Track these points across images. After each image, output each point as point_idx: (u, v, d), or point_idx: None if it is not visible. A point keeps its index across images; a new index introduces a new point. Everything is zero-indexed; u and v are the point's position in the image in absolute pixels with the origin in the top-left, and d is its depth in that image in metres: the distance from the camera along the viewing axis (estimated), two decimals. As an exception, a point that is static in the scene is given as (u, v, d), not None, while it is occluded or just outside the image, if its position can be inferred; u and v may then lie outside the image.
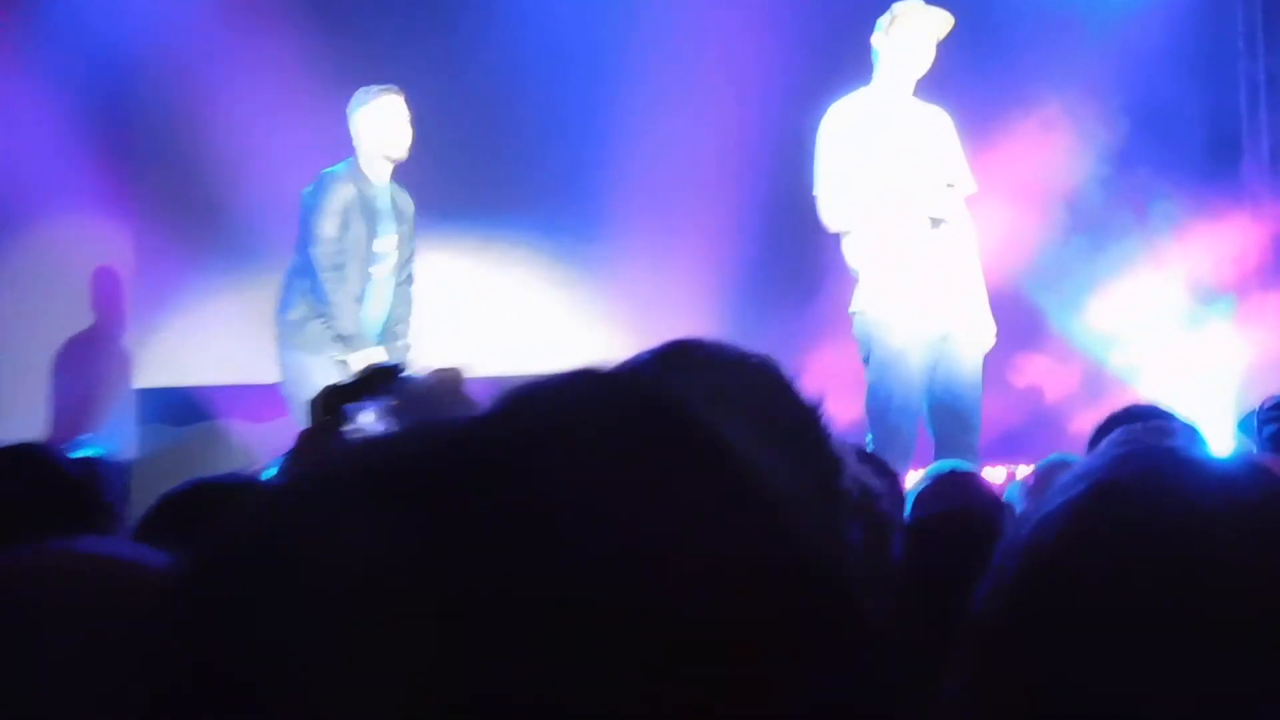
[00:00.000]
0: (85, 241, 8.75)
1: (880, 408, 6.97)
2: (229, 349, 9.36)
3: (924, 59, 7.28)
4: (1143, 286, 8.81)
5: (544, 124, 9.69)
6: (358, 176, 7.48)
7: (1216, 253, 8.81)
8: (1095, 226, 8.85)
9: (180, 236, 9.33)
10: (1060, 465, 4.46)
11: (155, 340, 9.59)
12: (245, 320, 9.17)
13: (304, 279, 7.38)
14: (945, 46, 7.33)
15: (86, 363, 8.74)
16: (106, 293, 9.13)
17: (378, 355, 7.19)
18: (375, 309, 7.53)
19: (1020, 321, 8.46)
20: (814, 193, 7.30)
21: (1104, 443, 4.32)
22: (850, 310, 7.28)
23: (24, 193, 7.85)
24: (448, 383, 4.84)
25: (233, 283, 9.32)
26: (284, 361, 7.35)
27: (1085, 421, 7.63)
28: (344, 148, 7.64)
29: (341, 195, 7.38)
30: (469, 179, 9.63)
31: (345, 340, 7.30)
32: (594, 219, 9.54)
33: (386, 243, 7.56)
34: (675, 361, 1.84)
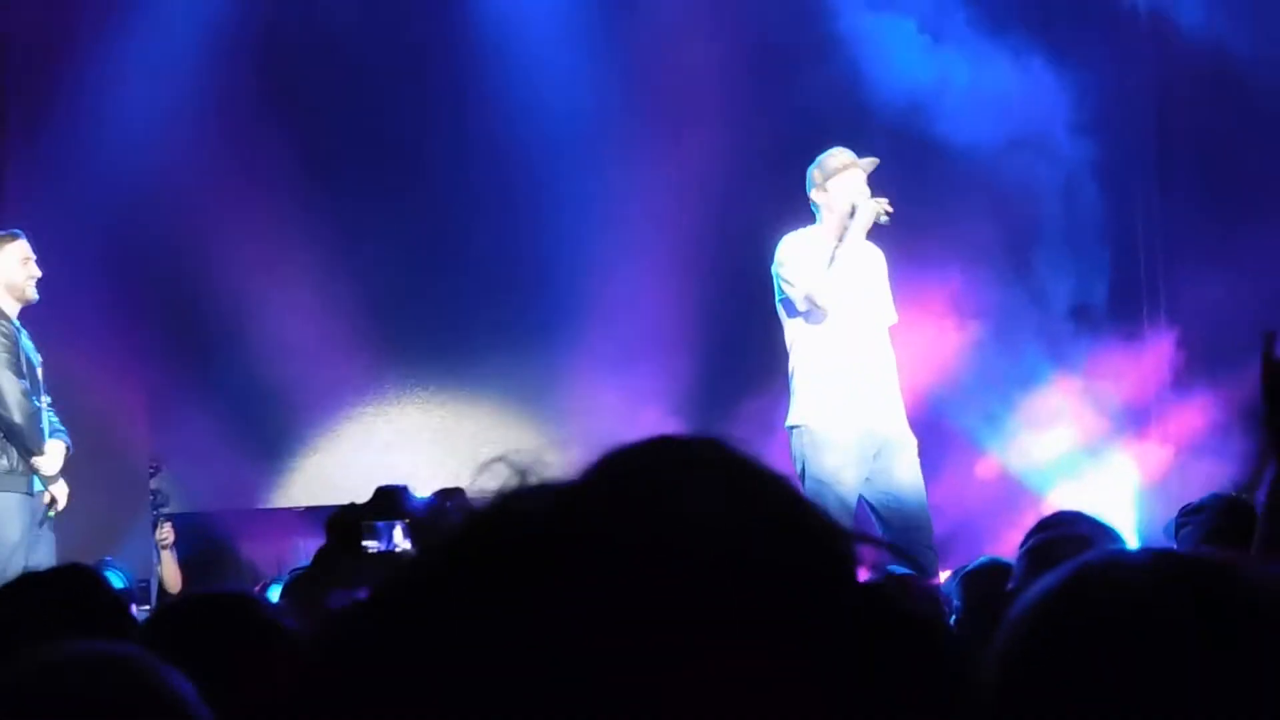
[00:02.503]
0: (102, 375, 8.94)
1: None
2: (231, 477, 9.80)
3: (866, 213, 7.32)
4: (1053, 404, 9.02)
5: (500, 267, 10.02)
6: None
7: (1120, 380, 9.12)
8: (1009, 348, 9.01)
9: (189, 374, 9.69)
10: (991, 565, 4.79)
11: (168, 472, 10.00)
12: (248, 451, 9.59)
13: None
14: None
15: (107, 490, 8.92)
16: (123, 425, 9.33)
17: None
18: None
19: (940, 436, 8.64)
20: (787, 291, 7.33)
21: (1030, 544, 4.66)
22: (786, 425, 7.35)
23: (48, 326, 8.07)
24: (453, 501, 5.16)
25: (238, 416, 9.68)
26: None
27: (1002, 527, 8.11)
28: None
29: None
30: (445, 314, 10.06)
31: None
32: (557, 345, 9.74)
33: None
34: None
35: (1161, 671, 1.25)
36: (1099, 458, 8.91)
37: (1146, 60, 9.79)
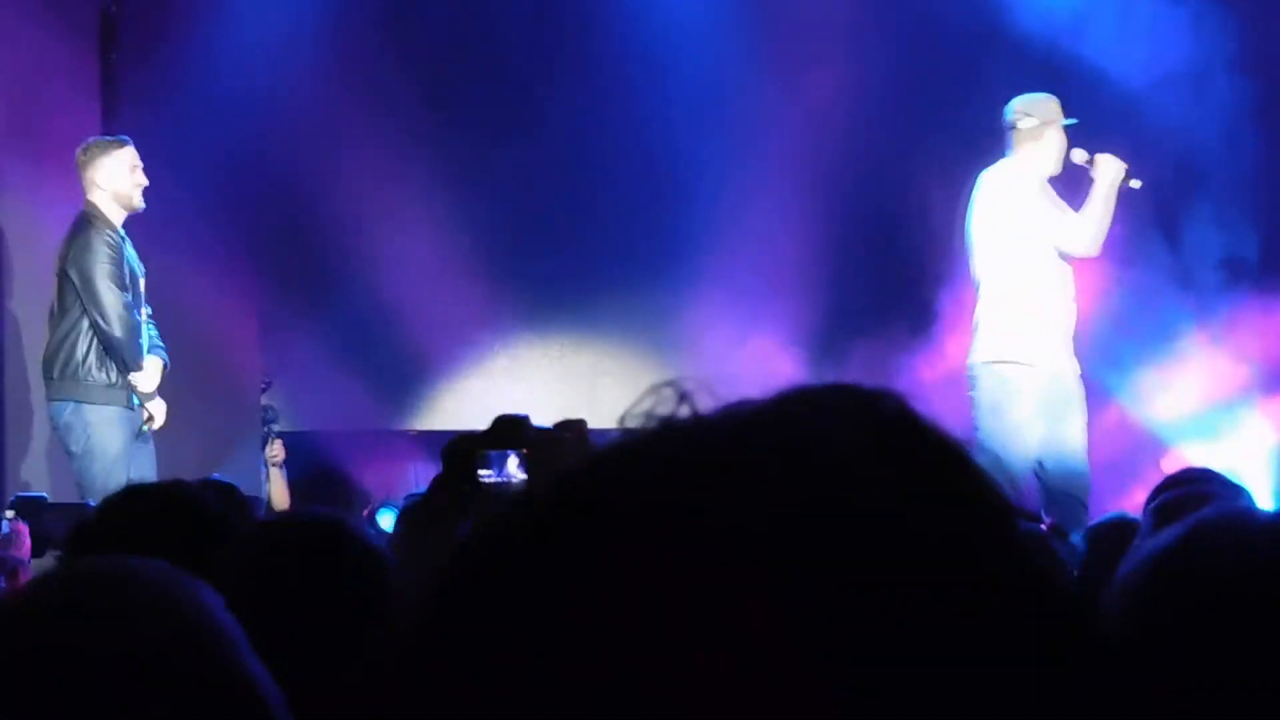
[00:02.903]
0: (213, 290, 8.91)
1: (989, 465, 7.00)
2: (343, 398, 9.76)
3: (1060, 158, 7.46)
4: (1192, 357, 8.87)
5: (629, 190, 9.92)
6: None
7: (1263, 337, 8.87)
8: (1151, 297, 8.87)
9: (302, 294, 9.70)
10: (1120, 521, 4.62)
11: (278, 390, 9.99)
12: (360, 373, 9.54)
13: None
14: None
15: (216, 405, 8.96)
16: (234, 341, 9.27)
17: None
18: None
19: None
20: (1034, 230, 7.30)
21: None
22: (974, 360, 7.37)
23: (158, 236, 8.05)
24: (573, 432, 5.02)
25: (352, 338, 9.67)
26: None
27: (1131, 482, 7.93)
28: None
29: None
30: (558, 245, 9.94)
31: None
32: (679, 280, 9.68)
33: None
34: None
35: (1272, 635, 1.28)
36: (1236, 415, 8.70)
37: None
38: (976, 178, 7.54)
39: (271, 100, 9.34)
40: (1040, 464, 7.28)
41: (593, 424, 4.05)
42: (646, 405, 0.73)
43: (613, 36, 9.83)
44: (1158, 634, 1.33)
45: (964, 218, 7.60)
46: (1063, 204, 7.47)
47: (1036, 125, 7.43)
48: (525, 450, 4.04)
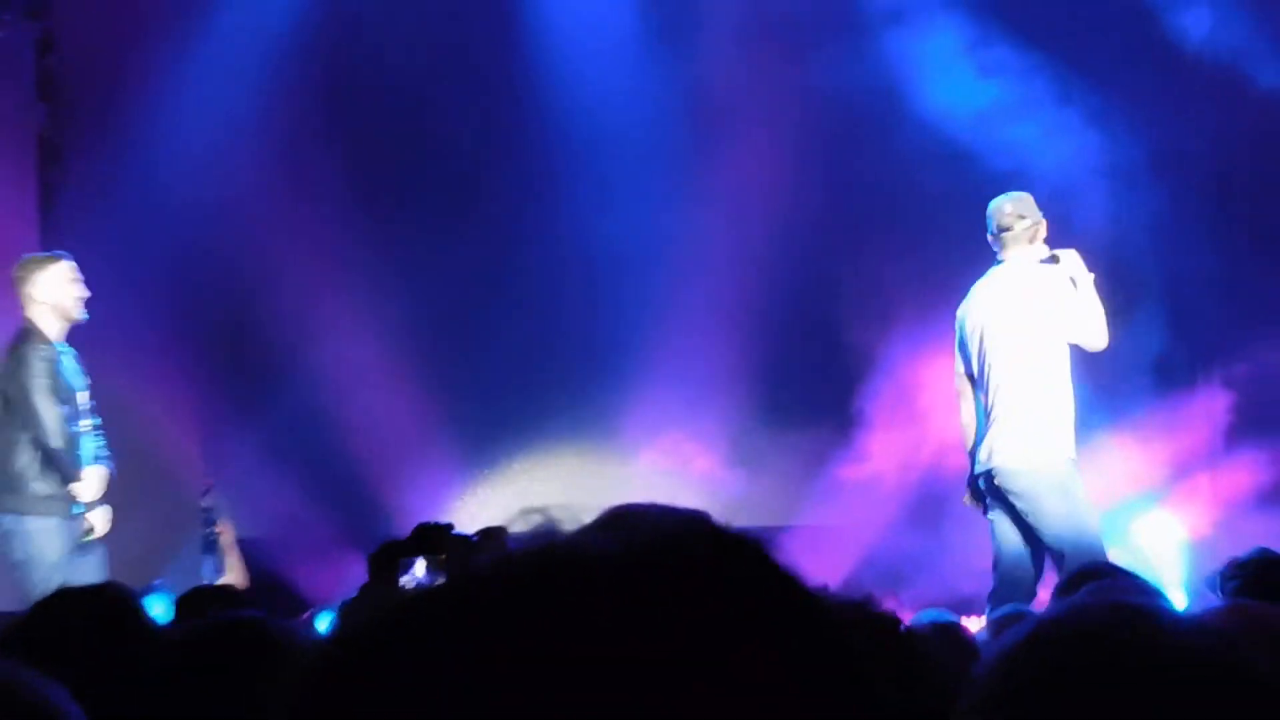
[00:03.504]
0: (155, 397, 8.98)
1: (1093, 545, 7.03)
2: (278, 504, 9.82)
3: (1074, 259, 7.41)
4: (1103, 457, 8.83)
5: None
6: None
7: (1170, 436, 9.08)
8: None
9: (242, 398, 9.73)
10: (1015, 614, 4.71)
11: (220, 492, 10.01)
12: (300, 477, 9.63)
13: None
14: None
15: (158, 512, 8.95)
16: (175, 448, 9.34)
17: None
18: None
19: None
20: (1067, 333, 7.29)
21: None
22: (1018, 466, 7.23)
23: (99, 346, 8.12)
24: (493, 539, 5.12)
25: (291, 440, 9.71)
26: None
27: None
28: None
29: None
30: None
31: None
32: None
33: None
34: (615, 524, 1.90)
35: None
36: (1147, 512, 8.84)
37: (1207, 113, 9.69)
38: (956, 287, 7.65)
39: (211, 205, 9.47)
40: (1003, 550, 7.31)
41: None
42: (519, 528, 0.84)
43: (548, 128, 10.01)
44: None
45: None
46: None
47: (1030, 225, 7.41)
48: (442, 556, 4.17)
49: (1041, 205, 7.61)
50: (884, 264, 9.33)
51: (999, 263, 7.45)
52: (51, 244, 8.65)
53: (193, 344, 9.56)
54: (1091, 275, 7.39)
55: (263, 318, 9.71)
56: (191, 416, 9.62)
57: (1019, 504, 7.20)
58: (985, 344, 7.38)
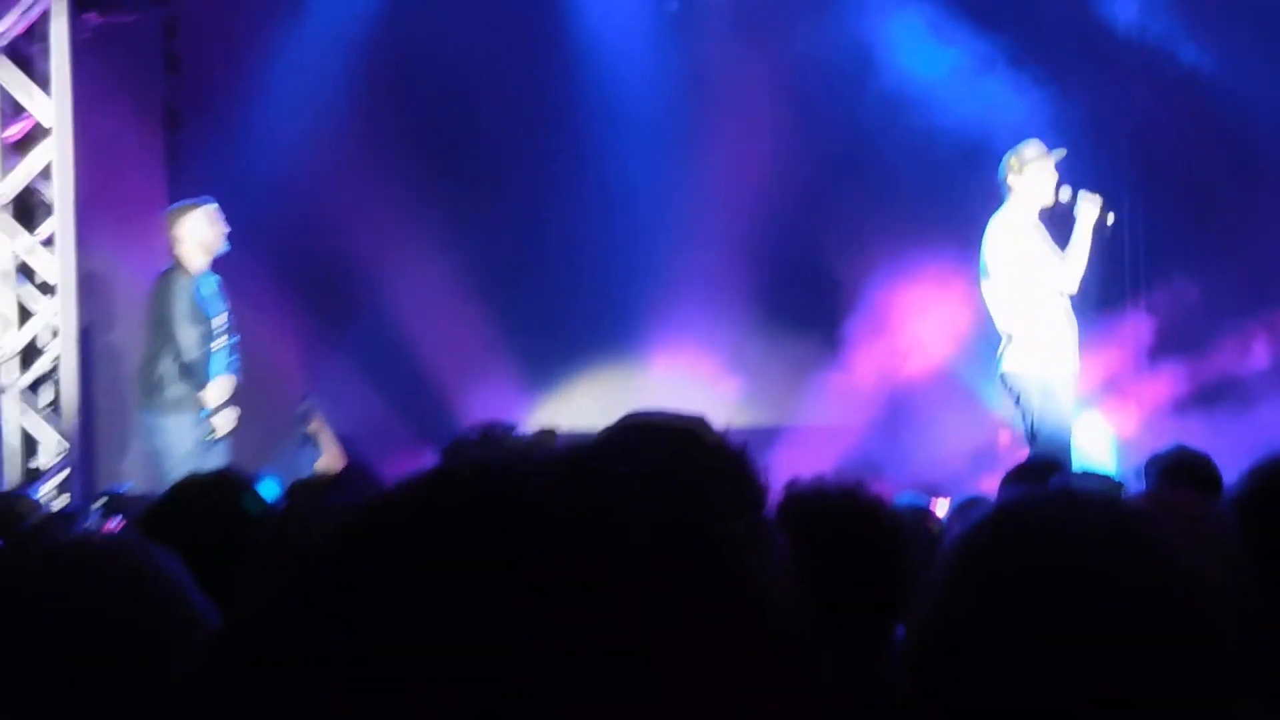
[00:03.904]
0: (263, 324, 9.03)
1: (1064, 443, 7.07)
2: (365, 409, 9.88)
3: (1050, 194, 7.37)
4: None
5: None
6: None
7: (1099, 356, 8.94)
8: None
9: (334, 328, 9.92)
10: (971, 502, 4.73)
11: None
12: (382, 392, 9.69)
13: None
14: None
15: (268, 414, 9.03)
16: (280, 364, 9.39)
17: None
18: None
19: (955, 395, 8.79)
20: (1027, 272, 7.23)
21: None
22: (1008, 370, 7.26)
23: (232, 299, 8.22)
24: (544, 439, 5.12)
25: (368, 360, 9.85)
26: None
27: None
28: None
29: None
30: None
31: None
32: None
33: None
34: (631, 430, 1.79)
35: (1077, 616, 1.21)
36: (1084, 414, 8.75)
37: (1136, 86, 9.65)
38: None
39: (306, 167, 9.57)
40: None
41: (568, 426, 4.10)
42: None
43: (578, 103, 10.07)
44: (962, 615, 1.23)
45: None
46: (1051, 243, 7.40)
47: (1021, 166, 7.31)
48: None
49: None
50: (861, 204, 9.39)
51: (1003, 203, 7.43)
52: (177, 195, 8.71)
53: (293, 279, 9.65)
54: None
55: (350, 258, 9.78)
56: (293, 336, 9.69)
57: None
58: (982, 278, 7.46)
